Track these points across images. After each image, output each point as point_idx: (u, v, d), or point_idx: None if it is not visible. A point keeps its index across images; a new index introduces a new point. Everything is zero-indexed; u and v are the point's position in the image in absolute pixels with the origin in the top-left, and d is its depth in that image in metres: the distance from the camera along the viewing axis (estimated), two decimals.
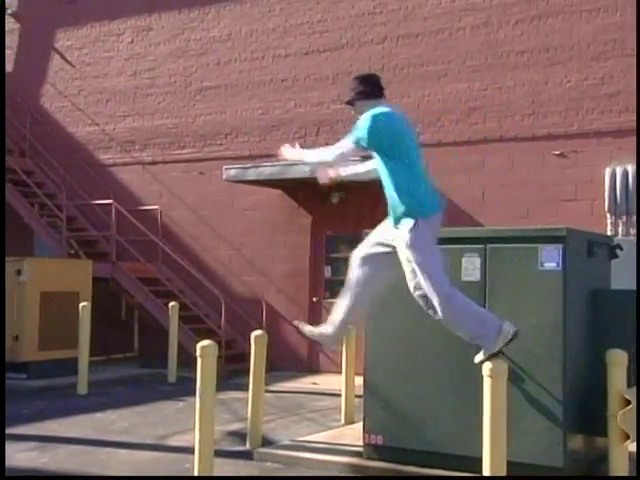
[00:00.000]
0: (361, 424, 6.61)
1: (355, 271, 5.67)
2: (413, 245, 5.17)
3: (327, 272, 12.71)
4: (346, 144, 5.42)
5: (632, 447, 5.90)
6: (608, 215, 10.57)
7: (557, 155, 11.09)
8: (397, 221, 5.29)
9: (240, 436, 7.58)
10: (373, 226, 7.47)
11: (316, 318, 12.63)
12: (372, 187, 12.15)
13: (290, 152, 5.60)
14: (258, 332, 7.57)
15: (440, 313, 5.24)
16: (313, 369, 12.43)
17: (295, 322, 5.72)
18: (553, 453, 5.72)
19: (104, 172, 14.58)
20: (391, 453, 6.32)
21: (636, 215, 10.12)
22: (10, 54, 15.76)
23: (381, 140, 5.26)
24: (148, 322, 13.28)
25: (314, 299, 12.65)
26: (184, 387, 10.26)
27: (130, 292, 13.16)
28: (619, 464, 5.83)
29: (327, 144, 12.84)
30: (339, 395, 8.64)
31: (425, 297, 5.29)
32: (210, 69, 13.81)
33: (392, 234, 5.36)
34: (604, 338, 6.06)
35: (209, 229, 13.53)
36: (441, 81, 11.91)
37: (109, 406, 9.44)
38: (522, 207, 11.19)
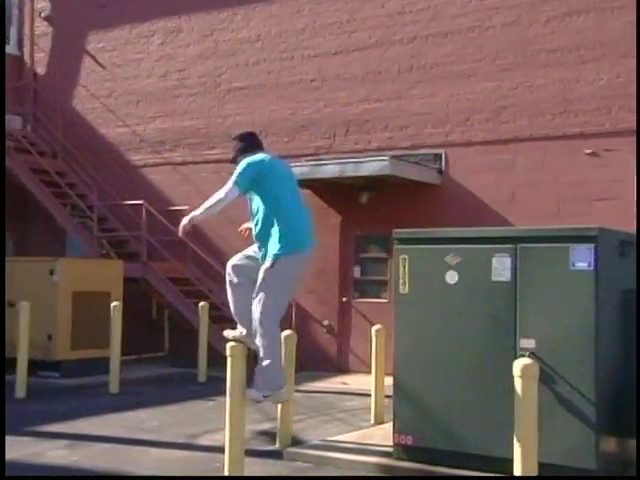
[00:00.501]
0: (391, 424, 6.59)
1: (231, 278, 6.07)
2: (268, 277, 5.67)
3: (356, 272, 12.69)
4: (229, 189, 5.86)
5: None
6: None
7: (588, 154, 10.97)
8: (264, 256, 5.77)
9: (270, 436, 7.60)
10: (401, 225, 7.45)
11: (346, 318, 12.64)
12: (400, 187, 12.21)
13: (183, 223, 6.09)
14: (287, 332, 7.57)
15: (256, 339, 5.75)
16: (342, 369, 12.43)
17: (224, 332, 6.16)
18: (585, 455, 5.66)
19: (135, 173, 14.70)
20: (421, 453, 6.30)
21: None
22: (43, 57, 15.95)
23: (254, 183, 5.75)
24: (178, 322, 13.36)
25: (343, 299, 12.64)
26: (214, 386, 10.31)
27: (160, 292, 13.25)
28: None
29: (356, 144, 13.02)
30: (369, 395, 8.63)
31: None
32: (239, 70, 13.86)
33: (260, 258, 5.88)
34: (636, 338, 5.99)
35: (238, 229, 13.55)
36: (470, 80, 11.84)
37: (140, 405, 9.52)
38: (553, 206, 11.09)
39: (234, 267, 6.01)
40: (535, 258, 5.97)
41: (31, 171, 14.22)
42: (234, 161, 6.18)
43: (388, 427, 6.85)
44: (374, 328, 8.78)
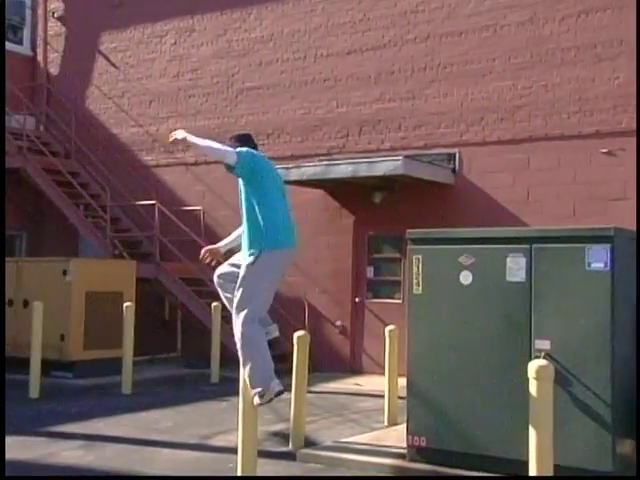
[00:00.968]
0: (404, 426, 6.59)
1: (220, 291, 6.05)
2: (249, 273, 5.57)
3: (369, 272, 12.69)
4: (231, 153, 5.61)
5: None
6: None
7: (605, 153, 10.92)
8: (248, 248, 5.68)
9: (283, 437, 7.61)
10: (415, 226, 7.44)
11: (359, 319, 12.64)
12: (414, 187, 12.18)
13: (179, 134, 5.80)
14: (300, 332, 7.59)
15: (236, 335, 5.64)
16: (356, 370, 12.42)
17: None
18: (602, 457, 5.64)
19: (148, 173, 14.75)
20: (435, 455, 6.29)
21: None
22: (56, 57, 16.04)
23: (250, 173, 5.63)
24: (191, 322, 13.39)
25: (357, 299, 12.63)
26: (227, 387, 10.32)
27: (173, 292, 13.29)
28: None
29: (369, 144, 13.01)
30: (382, 396, 8.62)
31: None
32: (252, 70, 13.88)
33: (243, 257, 5.75)
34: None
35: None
36: (485, 79, 11.81)
37: (153, 406, 9.55)
38: (568, 206, 11.04)
39: (220, 276, 5.94)
40: (550, 258, 5.95)
41: (44, 171, 14.29)
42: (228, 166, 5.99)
43: (402, 428, 6.85)
44: (387, 329, 8.77)
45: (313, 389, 9.96)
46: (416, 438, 6.40)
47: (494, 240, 6.25)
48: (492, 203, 11.61)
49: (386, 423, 8.28)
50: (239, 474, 5.83)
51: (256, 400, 5.64)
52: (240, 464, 5.82)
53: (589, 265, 5.79)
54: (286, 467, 6.69)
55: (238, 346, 5.65)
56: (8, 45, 15.26)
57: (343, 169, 11.53)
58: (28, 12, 16.28)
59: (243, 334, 5.58)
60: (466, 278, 6.28)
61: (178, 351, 13.95)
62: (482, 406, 6.12)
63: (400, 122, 12.43)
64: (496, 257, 6.14)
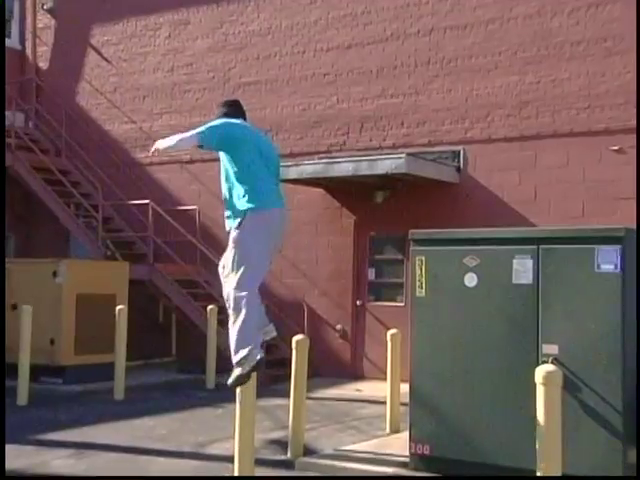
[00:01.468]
0: (407, 433, 6.59)
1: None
2: (237, 237, 5.62)
3: (371, 274, 12.70)
4: (191, 136, 5.73)
5: None
6: None
7: (615, 151, 10.93)
8: (232, 214, 5.74)
9: (281, 445, 7.61)
10: (418, 226, 7.46)
11: (360, 322, 12.65)
12: (417, 186, 12.18)
13: (159, 143, 5.85)
14: (300, 336, 7.59)
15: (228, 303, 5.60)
16: (357, 375, 12.43)
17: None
18: (612, 466, 5.64)
19: (141, 171, 14.76)
20: (439, 464, 6.29)
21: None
22: (45, 51, 16.05)
23: (223, 144, 5.75)
24: (186, 326, 13.40)
25: (358, 302, 12.64)
26: (223, 393, 10.30)
27: (168, 295, 13.30)
28: None
29: (371, 141, 13.03)
30: (384, 403, 8.63)
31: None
32: (249, 64, 13.89)
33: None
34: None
35: None
36: (491, 74, 11.82)
37: (147, 412, 9.55)
38: (577, 206, 11.05)
39: (224, 266, 5.87)
40: (558, 260, 5.96)
41: (34, 169, 14.30)
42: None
43: (404, 436, 6.85)
44: (390, 333, 8.78)
45: (313, 395, 9.96)
46: (419, 446, 6.40)
47: (500, 241, 6.26)
48: (498, 202, 11.62)
49: (388, 430, 8.29)
50: None
51: (234, 373, 5.52)
52: (237, 473, 5.83)
53: (598, 267, 5.80)
54: (284, 476, 6.68)
55: (229, 310, 5.60)
56: None
57: (344, 167, 11.54)
58: (16, 4, 16.29)
59: (234, 297, 5.53)
60: (471, 280, 6.28)
61: (172, 356, 13.97)
62: (488, 413, 6.13)
63: (403, 119, 12.45)
64: (502, 259, 6.15)
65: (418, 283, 6.51)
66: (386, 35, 12.66)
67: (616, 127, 10.94)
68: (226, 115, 6.02)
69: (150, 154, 5.97)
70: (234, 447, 5.89)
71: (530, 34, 11.58)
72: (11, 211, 15.12)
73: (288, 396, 7.50)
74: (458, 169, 11.95)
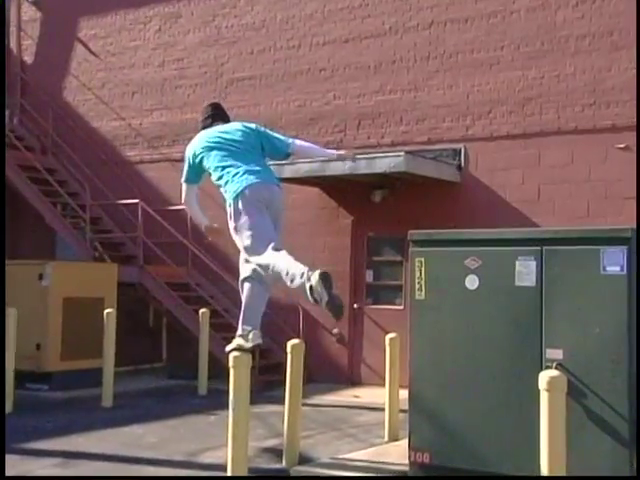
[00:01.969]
0: (406, 441, 6.60)
1: None
2: (230, 222, 6.12)
3: (369, 276, 12.71)
4: (182, 187, 6.69)
5: None
6: None
7: (621, 149, 10.96)
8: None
9: (276, 453, 7.62)
10: (417, 226, 7.46)
11: (358, 326, 12.66)
12: (417, 185, 12.19)
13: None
14: (295, 341, 7.60)
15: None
16: (354, 381, 12.44)
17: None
18: (618, 474, 5.65)
19: (130, 170, 14.76)
20: (439, 473, 6.30)
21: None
22: (30, 44, 16.04)
23: (197, 167, 6.44)
24: (177, 330, 13.40)
25: (355, 305, 12.65)
26: (216, 400, 10.33)
27: (158, 298, 13.30)
28: None
29: (369, 138, 13.04)
30: (382, 409, 8.64)
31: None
32: (243, 59, 13.91)
33: None
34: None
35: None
36: (493, 69, 11.85)
37: (136, 420, 9.55)
38: (582, 206, 11.08)
39: (248, 278, 6.31)
40: (563, 261, 5.97)
41: (18, 168, 14.30)
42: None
43: (403, 444, 6.86)
44: (388, 337, 8.79)
45: (308, 401, 9.97)
46: (419, 454, 6.41)
47: (502, 242, 6.27)
48: (500, 202, 11.64)
49: (387, 438, 8.30)
50: None
51: (235, 341, 6.04)
52: None
53: (604, 269, 5.81)
54: None
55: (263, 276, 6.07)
56: None
57: (340, 166, 11.54)
58: None
59: (242, 282, 6.16)
60: (472, 283, 6.29)
61: (163, 361, 13.97)
62: (490, 420, 6.14)
63: (402, 115, 12.46)
64: (504, 260, 6.16)
65: (417, 285, 6.52)
66: (384, 29, 12.68)
67: (623, 124, 10.97)
68: (203, 127, 6.59)
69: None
70: (227, 456, 5.90)
71: (534, 28, 11.61)
72: None
73: (283, 403, 7.50)
74: (459, 168, 11.97)
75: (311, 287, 5.42)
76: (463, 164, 11.97)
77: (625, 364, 5.69)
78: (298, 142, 6.62)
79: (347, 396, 11.45)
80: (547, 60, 11.50)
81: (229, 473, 5.84)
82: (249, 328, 6.02)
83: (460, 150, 12.00)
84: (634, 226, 6.01)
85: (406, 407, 6.68)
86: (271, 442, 8.23)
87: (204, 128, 6.53)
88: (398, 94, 12.50)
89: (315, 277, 5.43)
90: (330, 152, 7.19)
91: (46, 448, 7.99)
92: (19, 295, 11.25)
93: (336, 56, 13.05)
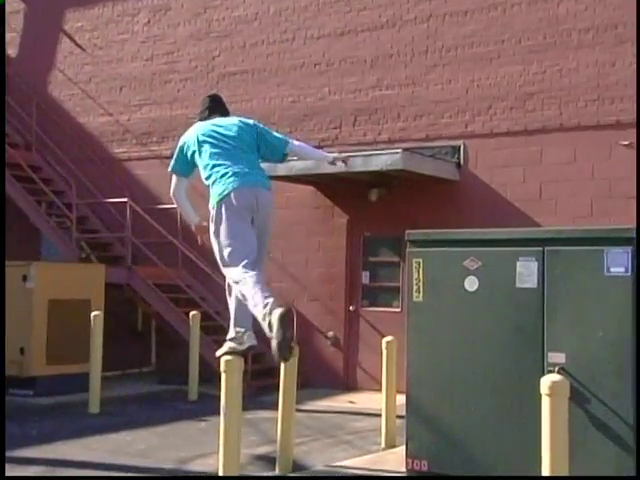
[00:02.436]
0: (403, 448, 6.61)
1: None
2: (211, 226, 6.13)
3: (365, 278, 12.72)
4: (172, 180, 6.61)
5: None
6: None
7: (625, 146, 10.98)
8: None
9: (269, 460, 7.61)
10: (415, 226, 7.47)
11: (354, 329, 12.66)
12: (414, 183, 12.20)
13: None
14: None
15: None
16: (350, 386, 12.45)
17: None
18: None
19: (118, 167, 14.74)
20: None
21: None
22: (14, 37, 16.01)
23: (188, 159, 6.40)
24: (167, 333, 13.40)
25: (351, 308, 12.66)
26: (207, 405, 10.33)
27: (147, 300, 13.29)
28: None
29: (365, 135, 13.03)
30: (379, 415, 8.64)
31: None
32: (235, 52, 13.90)
33: None
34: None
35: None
36: (493, 64, 11.86)
37: (124, 426, 9.55)
38: (585, 205, 11.09)
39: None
40: (565, 262, 5.98)
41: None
42: None
43: (400, 451, 6.87)
44: (385, 340, 8.80)
45: (303, 407, 9.98)
46: (417, 462, 6.42)
47: (503, 242, 6.28)
48: (501, 201, 11.66)
49: (383, 445, 8.31)
50: None
51: (226, 345, 6.05)
52: None
53: (608, 270, 5.83)
54: None
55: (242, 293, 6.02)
56: None
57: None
58: None
59: (228, 284, 6.18)
60: (472, 284, 6.30)
61: (152, 365, 13.96)
62: (490, 426, 6.15)
63: (399, 111, 12.47)
64: (505, 261, 6.17)
65: (415, 287, 6.52)
66: (381, 22, 12.69)
67: (627, 120, 10.99)
68: (200, 119, 6.49)
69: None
70: (218, 463, 5.89)
71: (535, 21, 11.62)
72: None
73: (276, 408, 7.50)
74: (458, 165, 11.98)
75: (269, 323, 5.48)
76: (462, 162, 11.99)
77: (629, 368, 5.70)
78: (297, 142, 6.63)
79: (342, 401, 11.46)
80: (549, 54, 11.52)
81: None
82: (242, 330, 6.04)
83: (459, 147, 12.01)
84: (634, 226, 6.03)
85: (403, 413, 6.69)
86: (264, 449, 8.23)
87: (201, 120, 6.49)
88: (395, 89, 12.51)
89: (275, 317, 5.47)
90: (326, 155, 7.12)
91: (30, 456, 7.97)
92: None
93: (331, 50, 13.05)
